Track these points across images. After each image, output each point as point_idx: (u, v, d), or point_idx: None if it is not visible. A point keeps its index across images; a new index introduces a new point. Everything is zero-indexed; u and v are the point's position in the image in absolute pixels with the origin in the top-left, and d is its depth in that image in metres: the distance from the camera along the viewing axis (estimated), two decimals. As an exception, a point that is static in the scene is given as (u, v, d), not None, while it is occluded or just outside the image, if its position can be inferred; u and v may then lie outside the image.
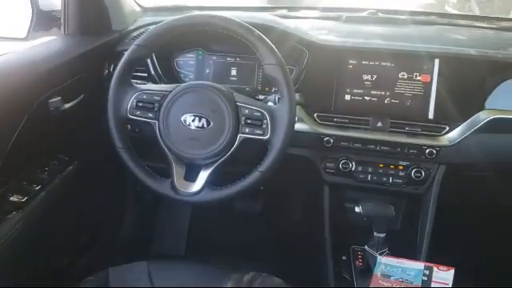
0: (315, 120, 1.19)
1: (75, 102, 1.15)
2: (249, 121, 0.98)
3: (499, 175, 1.16)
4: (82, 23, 1.25)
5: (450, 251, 1.08)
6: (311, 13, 1.57)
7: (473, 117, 1.14)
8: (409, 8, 1.64)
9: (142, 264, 1.00)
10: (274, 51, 0.97)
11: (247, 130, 0.98)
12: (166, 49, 1.24)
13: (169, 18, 1.02)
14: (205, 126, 0.99)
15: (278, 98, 1.02)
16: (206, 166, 1.01)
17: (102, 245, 1.48)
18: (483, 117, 1.12)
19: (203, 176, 1.00)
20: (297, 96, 1.00)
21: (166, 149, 1.01)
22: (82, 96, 1.18)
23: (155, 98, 1.01)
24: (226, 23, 0.99)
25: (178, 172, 1.01)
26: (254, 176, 0.98)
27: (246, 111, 0.98)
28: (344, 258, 1.25)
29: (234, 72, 1.28)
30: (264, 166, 0.97)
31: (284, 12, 1.53)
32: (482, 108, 1.15)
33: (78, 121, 1.19)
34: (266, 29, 1.06)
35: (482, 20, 1.50)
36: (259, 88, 1.27)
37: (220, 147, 0.98)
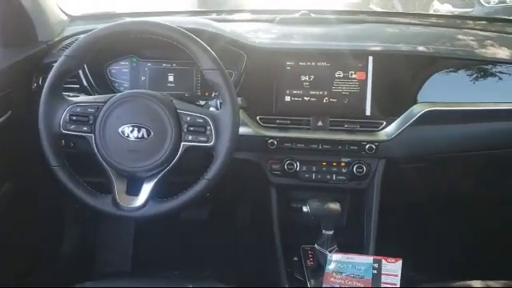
0: (258, 123, 1.19)
1: (3, 118, 1.08)
2: (191, 128, 0.95)
3: (436, 165, 1.21)
4: (4, 35, 1.17)
5: (396, 242, 1.12)
6: (244, 15, 1.57)
7: (407, 111, 1.18)
8: (338, 8, 1.69)
9: (85, 286, 0.95)
10: (212, 56, 0.96)
11: (190, 138, 0.96)
12: (98, 58, 1.19)
13: (99, 27, 0.97)
14: (145, 136, 0.95)
15: (220, 103, 1.01)
16: (149, 178, 0.97)
17: (42, 269, 1.39)
18: (417, 110, 1.17)
19: (146, 189, 0.96)
20: (239, 100, 0.99)
21: (104, 163, 0.96)
22: (10, 112, 1.11)
23: (89, 110, 0.97)
24: (160, 29, 0.96)
25: (119, 187, 0.97)
26: (201, 184, 0.95)
27: (188, 118, 0.96)
28: (295, 258, 1.26)
29: (171, 78, 1.25)
30: (210, 173, 0.95)
31: (216, 16, 1.52)
32: (415, 102, 1.19)
33: (7, 139, 1.11)
34: (201, 33, 1.05)
35: (409, 17, 1.56)
36: (199, 93, 1.25)
37: (162, 157, 0.95)
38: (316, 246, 1.18)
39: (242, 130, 1.11)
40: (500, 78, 1.23)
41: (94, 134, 0.96)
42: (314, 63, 1.19)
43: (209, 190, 0.97)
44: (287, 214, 1.27)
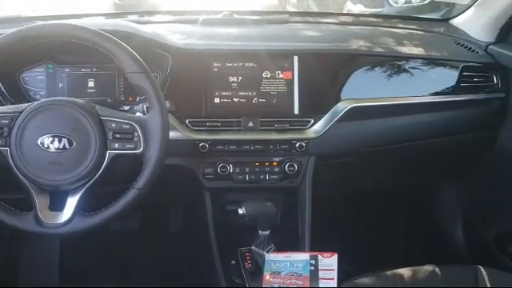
0: (188, 126, 1.16)
1: None
2: (117, 135, 0.91)
3: (363, 159, 1.26)
4: None
5: (330, 237, 1.15)
6: (165, 17, 1.53)
7: (333, 108, 1.21)
8: (259, 8, 1.70)
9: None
10: (136, 58, 0.91)
11: (117, 146, 0.91)
12: (9, 64, 1.09)
13: (10, 31, 0.89)
14: (66, 146, 0.89)
15: (147, 108, 0.97)
16: (74, 192, 0.91)
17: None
18: (342, 107, 1.20)
19: (71, 203, 0.90)
20: (166, 103, 0.96)
21: (23, 178, 0.89)
22: None
23: (3, 121, 0.89)
24: (79, 32, 0.90)
25: (41, 202, 0.90)
26: (131, 194, 0.91)
27: (113, 125, 0.91)
28: (233, 262, 1.24)
29: (91, 84, 1.18)
30: (141, 182, 0.91)
31: (136, 17, 1.47)
32: (340, 99, 1.22)
33: None
34: (122, 36, 0.99)
35: (328, 16, 1.61)
36: (122, 98, 1.19)
37: (87, 169, 0.89)
38: (253, 247, 1.18)
39: (172, 134, 1.07)
40: (415, 73, 1.31)
41: (10, 147, 0.88)
42: (241, 64, 1.18)
43: (139, 200, 0.92)
44: (222, 218, 1.26)
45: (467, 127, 1.36)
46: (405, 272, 1.09)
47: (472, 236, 1.58)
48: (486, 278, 1.07)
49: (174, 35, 1.22)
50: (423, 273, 1.10)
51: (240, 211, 1.15)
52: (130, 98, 1.19)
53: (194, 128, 1.16)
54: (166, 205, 1.59)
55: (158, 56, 1.15)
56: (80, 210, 0.90)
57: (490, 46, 1.37)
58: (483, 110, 1.34)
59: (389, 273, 1.08)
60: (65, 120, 0.90)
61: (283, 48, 1.21)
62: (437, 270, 1.11)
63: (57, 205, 0.91)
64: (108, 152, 0.91)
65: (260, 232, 1.16)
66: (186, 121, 1.16)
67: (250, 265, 1.22)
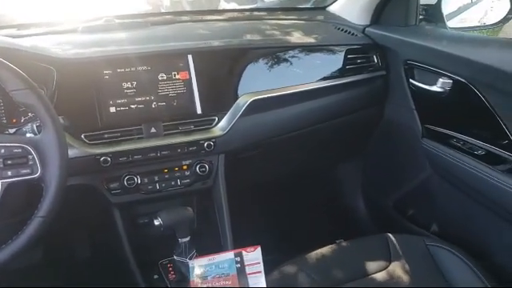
0: (84, 141, 1.07)
1: None
2: (9, 161, 0.81)
3: (271, 150, 1.28)
4: None
5: (251, 231, 1.15)
6: (42, 29, 1.39)
7: (234, 104, 1.21)
8: (141, 11, 1.63)
9: None
10: (18, 74, 0.82)
11: (10, 174, 0.81)
12: None
13: None
14: None
15: (37, 127, 0.88)
16: (-35, 232, 0.79)
17: None
18: (243, 102, 1.21)
19: (-37, 244, 0.79)
20: (60, 119, 0.87)
21: None
22: None
23: None
24: None
25: None
26: (35, 224, 0.81)
27: (2, 151, 0.81)
28: (156, 276, 1.18)
29: None
30: (43, 209, 0.82)
31: (13, 31, 1.31)
32: (240, 94, 1.23)
33: None
34: None
35: (214, 13, 1.60)
36: (4, 121, 1.05)
37: None
38: (174, 257, 1.13)
39: (68, 152, 0.98)
40: (305, 61, 1.35)
41: None
42: (133, 68, 1.12)
43: (45, 229, 0.83)
44: (137, 232, 1.19)
45: (357, 106, 1.45)
46: (324, 251, 1.14)
47: (374, 206, 1.70)
48: (396, 242, 1.17)
49: (56, 46, 1.12)
50: (340, 250, 1.16)
51: (156, 222, 1.10)
52: (14, 120, 1.05)
53: (92, 142, 1.08)
54: (72, 230, 1.46)
55: (42, 70, 1.04)
56: None
57: (367, 29, 1.48)
58: (369, 89, 1.44)
59: (311, 254, 1.12)
60: None
61: (176, 48, 1.17)
62: (351, 244, 1.18)
63: None
64: (1, 182, 0.80)
65: (180, 240, 1.12)
66: (82, 135, 1.07)
67: (173, 276, 1.18)
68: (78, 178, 1.06)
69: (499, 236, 1.20)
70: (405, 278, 1.07)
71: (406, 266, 1.10)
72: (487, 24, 1.33)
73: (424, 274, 1.09)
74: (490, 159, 1.15)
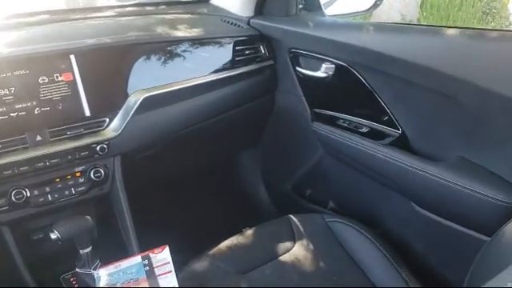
0: None
1: None
2: None
3: (169, 147, 1.25)
4: None
5: (157, 232, 1.12)
6: None
7: (125, 103, 1.16)
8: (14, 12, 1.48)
9: None
10: None
11: None
12: None
13: None
14: None
15: None
16: None
17: None
18: (134, 100, 1.17)
19: None
20: None
21: None
22: None
23: None
24: None
25: None
26: None
27: None
28: None
29: None
30: None
31: None
32: (131, 91, 1.18)
33: None
34: None
35: (92, 11, 1.51)
36: None
37: None
38: (77, 269, 1.07)
39: None
40: (194, 54, 1.34)
41: None
42: (9, 73, 1.02)
43: None
44: (33, 249, 1.10)
45: (249, 97, 1.49)
46: (232, 241, 1.16)
47: (275, 191, 1.77)
48: (298, 223, 1.23)
49: None
50: (247, 237, 1.19)
51: (52, 236, 1.03)
52: None
53: None
54: None
55: None
56: None
57: (252, 20, 1.51)
58: (259, 79, 1.48)
59: (220, 246, 1.14)
60: None
61: (56, 49, 1.09)
62: (256, 230, 1.22)
63: None
64: None
65: (81, 251, 1.06)
66: None
67: (78, 289, 1.11)
68: None
69: (388, 205, 1.31)
70: (310, 254, 1.14)
71: (310, 244, 1.16)
72: (360, 10, 1.45)
73: (326, 248, 1.16)
74: (374, 135, 1.25)
